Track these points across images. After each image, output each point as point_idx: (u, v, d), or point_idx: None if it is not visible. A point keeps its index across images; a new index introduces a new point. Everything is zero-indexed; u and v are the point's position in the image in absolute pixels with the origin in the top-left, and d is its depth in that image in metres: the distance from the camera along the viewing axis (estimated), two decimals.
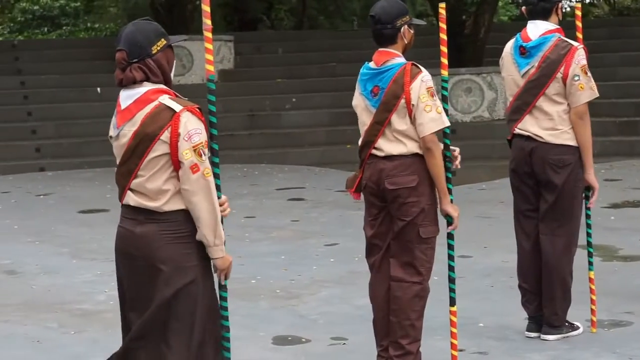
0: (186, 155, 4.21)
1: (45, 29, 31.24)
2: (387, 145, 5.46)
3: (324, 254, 9.32)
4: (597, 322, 6.57)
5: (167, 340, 4.32)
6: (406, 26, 5.51)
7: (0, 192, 14.12)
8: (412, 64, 5.44)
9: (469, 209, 10.87)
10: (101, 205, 12.33)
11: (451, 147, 5.55)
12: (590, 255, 6.64)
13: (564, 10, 6.54)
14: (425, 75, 5.40)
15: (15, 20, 31.94)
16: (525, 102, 6.33)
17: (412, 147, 5.42)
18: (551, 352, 6.16)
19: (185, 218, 4.29)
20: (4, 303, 7.83)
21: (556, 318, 6.37)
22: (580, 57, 6.23)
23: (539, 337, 6.42)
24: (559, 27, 6.39)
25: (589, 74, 6.25)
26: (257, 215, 11.60)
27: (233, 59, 20.06)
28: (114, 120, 4.39)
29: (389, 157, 5.45)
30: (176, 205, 4.28)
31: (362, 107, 5.56)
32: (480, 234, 9.89)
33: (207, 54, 4.60)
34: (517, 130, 6.39)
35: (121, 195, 4.39)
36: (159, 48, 4.32)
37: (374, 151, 5.51)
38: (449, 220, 5.54)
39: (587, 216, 6.59)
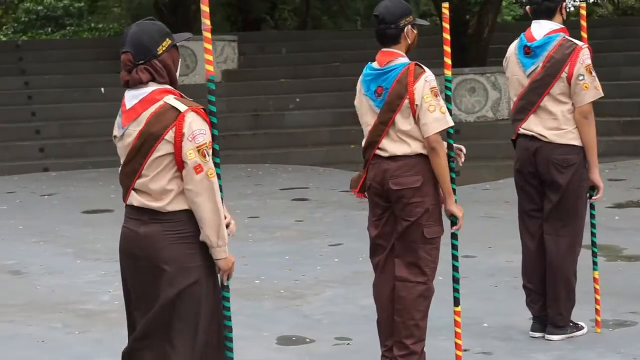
0: (190, 155, 4.21)
1: (49, 29, 31.28)
2: (391, 146, 5.45)
3: (328, 254, 9.32)
4: (601, 322, 6.56)
5: (171, 340, 4.32)
6: (410, 26, 5.50)
7: (4, 192, 14.13)
8: (416, 64, 5.43)
9: (473, 209, 10.86)
10: (105, 206, 12.33)
11: (456, 146, 5.54)
12: (594, 255, 6.64)
13: (567, 10, 6.52)
14: (428, 75, 5.40)
15: (19, 21, 31.98)
16: (529, 101, 6.32)
17: (416, 148, 5.42)
18: (555, 352, 6.16)
19: (189, 218, 4.29)
20: (9, 303, 7.84)
21: (560, 318, 6.37)
22: (584, 56, 6.22)
23: (544, 337, 6.41)
24: (563, 26, 6.38)
25: (594, 73, 6.24)
26: (261, 215, 11.60)
27: (237, 59, 20.06)
28: (118, 120, 4.40)
29: (393, 158, 5.45)
30: (180, 205, 4.28)
31: (366, 107, 5.56)
32: (485, 234, 9.89)
33: (207, 54, 4.61)
34: (521, 130, 6.39)
35: (125, 196, 4.40)
36: (164, 48, 4.32)
37: (378, 151, 5.51)
38: (453, 221, 5.54)
39: (592, 216, 6.58)
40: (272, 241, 10.07)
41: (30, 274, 8.88)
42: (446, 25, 5.58)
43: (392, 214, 5.52)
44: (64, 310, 7.57)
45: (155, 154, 4.26)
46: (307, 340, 6.63)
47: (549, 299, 6.38)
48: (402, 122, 5.41)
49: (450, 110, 5.45)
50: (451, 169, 5.48)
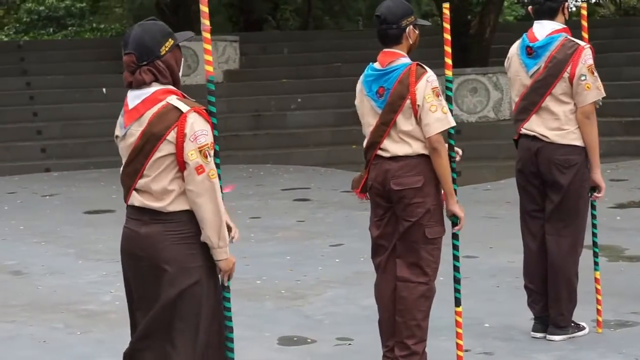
0: (191, 156, 4.21)
1: (51, 30, 31.30)
2: (392, 146, 5.45)
3: (329, 255, 9.32)
4: (603, 323, 6.56)
5: (172, 340, 4.32)
6: (411, 26, 5.50)
7: (6, 192, 14.14)
8: (417, 64, 5.43)
9: (475, 210, 10.87)
10: (107, 206, 12.34)
11: (455, 148, 5.54)
12: (596, 255, 6.64)
13: (569, 10, 6.51)
14: (430, 76, 5.39)
15: (20, 21, 31.99)
16: (532, 101, 6.32)
17: (417, 148, 5.41)
18: (557, 353, 6.15)
19: (190, 218, 4.29)
20: (10, 304, 7.84)
21: (562, 318, 6.37)
22: (587, 56, 6.21)
23: (545, 337, 6.41)
24: (565, 26, 6.37)
25: (596, 73, 6.24)
26: (262, 215, 11.60)
27: (238, 60, 20.07)
28: (120, 120, 4.40)
29: (395, 158, 5.45)
30: (181, 205, 4.28)
31: (367, 108, 5.56)
32: (486, 234, 9.88)
33: (206, 55, 4.61)
34: (523, 130, 6.39)
35: (126, 196, 4.40)
36: (167, 49, 4.32)
37: (379, 152, 5.50)
38: (454, 221, 5.53)
39: (593, 216, 6.58)
40: (274, 241, 10.07)
41: (32, 274, 8.88)
42: (447, 26, 5.58)
43: (394, 215, 5.52)
44: (66, 310, 7.57)
45: (157, 154, 4.26)
46: (309, 340, 6.63)
47: (551, 299, 6.38)
48: (404, 122, 5.41)
49: (451, 111, 5.44)
50: (452, 170, 5.48)
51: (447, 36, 5.57)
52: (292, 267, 8.83)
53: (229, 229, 4.44)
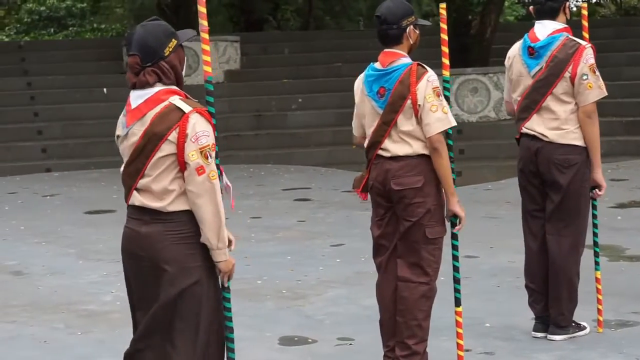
0: (192, 156, 4.21)
1: (52, 30, 31.32)
2: (393, 146, 5.45)
3: (330, 255, 9.32)
4: (603, 322, 6.56)
5: (172, 340, 4.32)
6: (412, 26, 5.50)
7: (6, 192, 14.15)
8: (418, 64, 5.43)
9: (475, 209, 10.87)
10: (107, 206, 12.34)
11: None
12: (596, 255, 6.64)
13: (570, 10, 6.52)
14: (431, 75, 5.39)
15: (21, 21, 32.01)
16: (533, 100, 6.31)
17: (417, 148, 5.41)
18: (558, 353, 6.15)
19: (190, 218, 4.29)
20: (11, 304, 7.84)
21: (563, 318, 6.36)
22: (588, 56, 6.21)
23: (546, 337, 6.41)
24: (566, 26, 6.37)
25: (598, 72, 6.23)
26: (263, 215, 11.61)
27: (239, 60, 20.08)
28: (122, 119, 4.40)
29: (395, 158, 5.45)
30: (181, 205, 4.28)
31: (368, 108, 5.56)
32: (487, 234, 9.88)
33: (205, 55, 4.61)
34: (524, 130, 6.38)
35: (127, 196, 4.40)
36: (170, 49, 4.32)
37: (380, 152, 5.51)
38: (453, 221, 5.54)
39: (594, 216, 6.58)
40: (274, 241, 10.07)
41: (32, 274, 8.89)
42: (444, 26, 5.58)
43: (395, 214, 5.52)
44: (66, 310, 7.57)
45: (159, 154, 4.26)
46: (309, 340, 6.63)
47: (551, 299, 6.38)
48: (404, 122, 5.41)
49: None
50: (452, 170, 5.48)
51: (445, 36, 5.57)
52: (293, 267, 8.83)
53: (229, 241, 4.43)
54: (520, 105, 6.42)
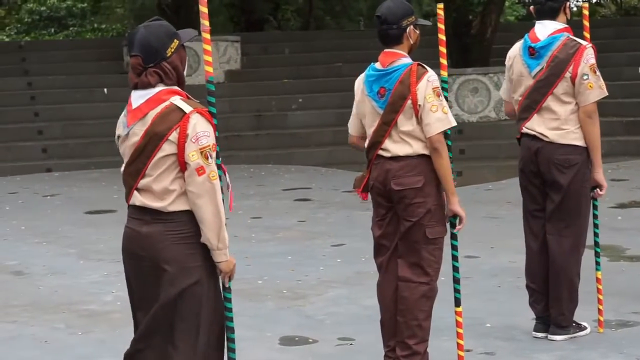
0: (192, 157, 4.21)
1: (52, 30, 31.32)
2: (393, 146, 5.45)
3: (330, 255, 9.32)
4: (604, 322, 6.56)
5: (173, 341, 4.32)
6: (412, 26, 5.50)
7: (7, 193, 14.16)
8: (418, 64, 5.43)
9: (476, 210, 10.87)
10: (108, 206, 12.35)
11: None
12: (597, 255, 6.63)
13: (571, 10, 6.52)
14: (431, 75, 5.39)
15: (22, 21, 32.00)
16: (534, 100, 6.31)
17: (418, 148, 5.41)
18: (558, 353, 6.15)
19: (190, 219, 4.29)
20: (11, 304, 7.84)
21: (563, 318, 6.37)
22: (589, 56, 6.21)
23: (546, 337, 6.41)
24: (567, 26, 6.37)
25: (598, 72, 6.23)
26: (263, 215, 11.61)
27: (240, 60, 20.08)
28: (123, 119, 4.40)
29: (395, 158, 5.45)
30: (182, 205, 4.28)
31: (369, 108, 5.56)
32: (487, 234, 9.88)
33: (206, 56, 4.60)
34: (524, 130, 6.39)
35: (128, 196, 4.40)
36: (172, 50, 4.32)
37: (380, 152, 5.51)
38: (452, 221, 5.54)
39: (595, 216, 6.58)
40: (275, 242, 10.07)
41: (33, 274, 8.89)
42: (441, 26, 5.57)
43: (395, 214, 5.52)
44: (67, 310, 7.57)
45: (159, 154, 4.26)
46: (310, 340, 6.63)
47: (552, 299, 6.38)
48: (405, 122, 5.41)
49: None
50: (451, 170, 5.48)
51: (442, 36, 5.57)
52: (294, 267, 8.83)
53: None
54: (521, 105, 6.42)
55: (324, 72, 19.84)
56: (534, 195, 6.45)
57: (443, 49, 5.58)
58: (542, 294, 6.43)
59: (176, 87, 4.35)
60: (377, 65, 5.54)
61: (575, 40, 6.27)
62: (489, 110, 17.36)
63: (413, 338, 5.48)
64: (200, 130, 4.23)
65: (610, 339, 6.38)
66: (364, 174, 5.67)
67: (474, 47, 18.09)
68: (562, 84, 6.22)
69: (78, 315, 7.43)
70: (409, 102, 5.36)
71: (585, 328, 6.47)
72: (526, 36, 6.43)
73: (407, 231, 5.46)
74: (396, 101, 5.39)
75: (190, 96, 4.38)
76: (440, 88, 5.40)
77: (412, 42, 5.52)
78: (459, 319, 5.61)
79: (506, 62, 6.59)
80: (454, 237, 5.59)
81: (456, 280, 5.61)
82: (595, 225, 6.60)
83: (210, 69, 4.59)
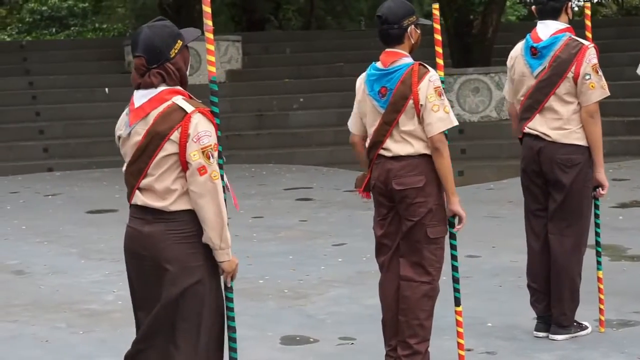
0: (194, 156, 4.21)
1: (54, 30, 31.34)
2: (394, 146, 5.45)
3: (332, 254, 9.32)
4: (605, 322, 6.55)
5: (175, 340, 4.32)
6: (413, 26, 5.50)
7: (8, 192, 14.16)
8: (420, 64, 5.43)
9: (477, 209, 10.87)
10: (109, 206, 12.34)
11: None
12: (598, 254, 6.63)
13: (572, 10, 6.52)
14: (432, 75, 5.39)
15: (23, 21, 32.04)
16: (536, 100, 6.31)
17: (419, 148, 5.41)
18: (560, 352, 6.15)
19: (192, 218, 4.29)
20: (12, 303, 7.84)
21: (564, 318, 6.36)
22: (591, 56, 6.21)
23: (548, 337, 6.41)
24: (569, 26, 6.37)
25: (600, 72, 6.23)
26: (265, 215, 11.61)
27: (241, 59, 20.09)
28: (125, 118, 4.39)
29: (397, 158, 5.45)
30: (183, 205, 4.29)
31: (370, 107, 5.56)
32: (489, 233, 9.88)
33: (209, 55, 4.60)
34: (526, 129, 6.38)
35: (130, 195, 4.40)
36: (176, 51, 4.32)
37: (381, 151, 5.51)
38: (451, 221, 5.53)
39: (596, 216, 6.58)
40: (276, 241, 10.07)
41: (34, 273, 8.89)
42: (437, 26, 5.57)
43: (397, 214, 5.52)
44: (68, 310, 7.57)
45: (161, 154, 4.26)
46: (311, 340, 6.63)
47: (553, 298, 6.38)
48: (406, 122, 5.41)
49: None
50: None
51: (438, 37, 5.57)
52: (295, 266, 8.83)
53: None
54: (523, 105, 6.42)
55: (325, 71, 19.84)
56: (535, 194, 6.45)
57: (439, 49, 5.58)
58: (544, 294, 6.43)
59: (179, 87, 4.36)
60: (379, 64, 5.54)
61: (578, 40, 6.27)
62: (490, 110, 17.36)
63: (414, 337, 5.48)
64: (202, 129, 4.23)
65: (611, 339, 6.38)
66: (365, 173, 5.67)
67: (475, 46, 18.08)
68: (565, 84, 6.22)
69: (79, 315, 7.43)
70: (411, 102, 5.36)
71: (586, 328, 6.47)
72: (528, 36, 6.42)
73: (409, 231, 5.46)
74: (398, 101, 5.39)
75: (192, 96, 4.38)
76: (441, 88, 5.40)
77: (413, 42, 5.52)
78: (459, 319, 5.61)
79: (508, 63, 6.59)
80: (453, 236, 5.59)
81: (455, 280, 5.60)
82: (597, 225, 6.60)
83: (213, 69, 4.59)
